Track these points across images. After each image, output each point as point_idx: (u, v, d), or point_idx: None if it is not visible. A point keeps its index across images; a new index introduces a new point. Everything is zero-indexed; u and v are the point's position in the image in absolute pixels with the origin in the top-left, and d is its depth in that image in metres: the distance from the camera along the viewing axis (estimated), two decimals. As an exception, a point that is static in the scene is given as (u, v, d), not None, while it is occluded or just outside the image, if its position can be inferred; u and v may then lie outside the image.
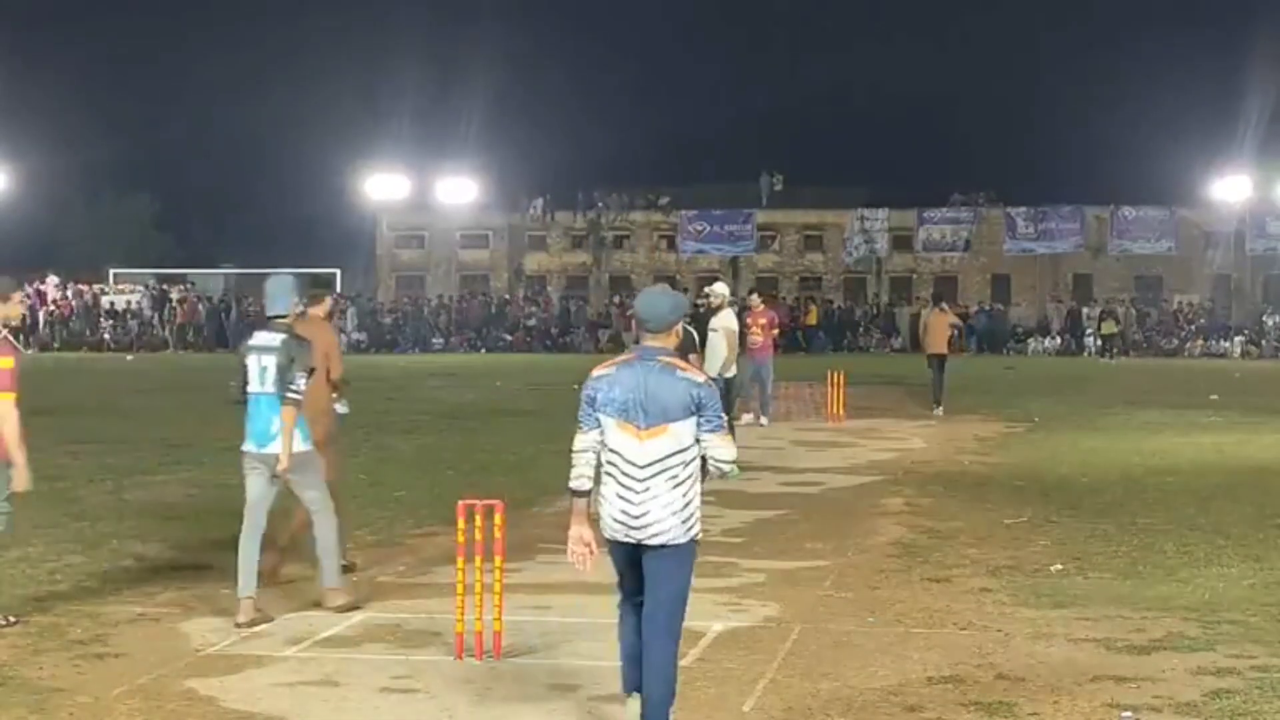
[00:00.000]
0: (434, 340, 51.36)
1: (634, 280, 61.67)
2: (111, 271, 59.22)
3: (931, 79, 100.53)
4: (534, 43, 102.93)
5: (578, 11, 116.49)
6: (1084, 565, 10.05)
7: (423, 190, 58.91)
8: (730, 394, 17.51)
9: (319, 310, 10.26)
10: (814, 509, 12.88)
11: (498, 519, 7.53)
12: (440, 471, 14.27)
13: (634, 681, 6.14)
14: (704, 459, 6.07)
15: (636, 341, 6.23)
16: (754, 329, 21.24)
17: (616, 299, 56.38)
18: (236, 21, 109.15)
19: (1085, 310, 52.06)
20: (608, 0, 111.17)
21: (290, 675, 7.21)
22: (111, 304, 52.65)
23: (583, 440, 6.07)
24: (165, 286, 54.54)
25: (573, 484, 6.06)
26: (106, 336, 50.67)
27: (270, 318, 8.82)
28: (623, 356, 6.19)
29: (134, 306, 52.47)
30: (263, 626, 8.19)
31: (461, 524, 7.73)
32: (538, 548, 10.72)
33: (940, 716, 6.56)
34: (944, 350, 24.41)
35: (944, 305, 27.12)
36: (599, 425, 6.05)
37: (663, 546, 5.94)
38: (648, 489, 5.94)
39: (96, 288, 54.67)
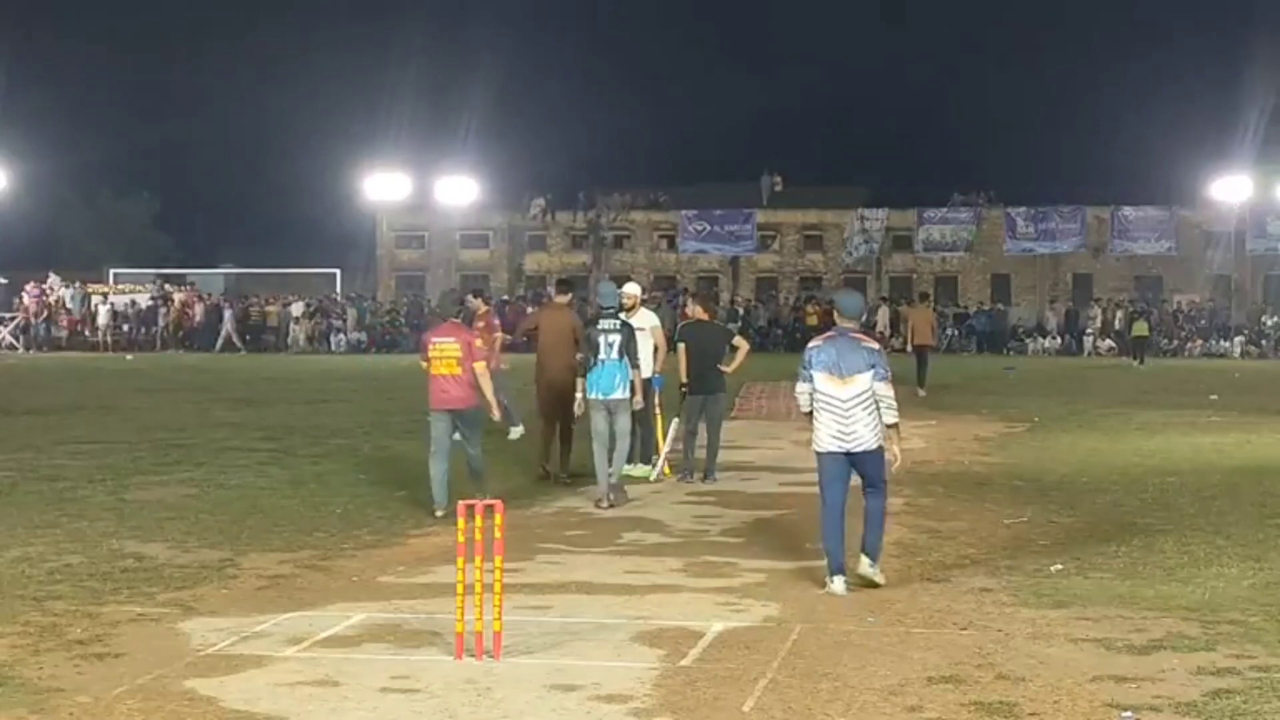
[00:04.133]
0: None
1: (634, 280, 61.63)
2: (111, 271, 59.23)
3: (931, 79, 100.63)
4: (534, 43, 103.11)
5: (578, 12, 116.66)
6: (1084, 565, 10.04)
7: (423, 190, 58.86)
8: (653, 408, 15.07)
9: (563, 299, 15.02)
10: (814, 509, 12.82)
11: (498, 519, 7.53)
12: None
13: (838, 563, 9.19)
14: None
15: (833, 325, 9.56)
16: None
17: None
18: (237, 22, 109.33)
19: (1083, 311, 52.01)
20: (608, 0, 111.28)
21: (290, 675, 7.20)
22: (111, 304, 52.62)
23: (801, 387, 9.34)
24: (165, 286, 54.50)
25: (804, 409, 9.36)
26: (104, 336, 50.58)
27: (604, 309, 12.97)
28: (829, 334, 9.42)
29: (135, 308, 52.38)
30: (262, 626, 8.20)
31: (461, 524, 7.73)
32: (538, 548, 10.73)
33: (940, 716, 6.55)
34: (930, 342, 26.57)
35: (928, 301, 28.89)
36: (812, 379, 9.25)
37: (866, 451, 9.18)
38: (851, 415, 9.15)
39: (96, 288, 54.65)
